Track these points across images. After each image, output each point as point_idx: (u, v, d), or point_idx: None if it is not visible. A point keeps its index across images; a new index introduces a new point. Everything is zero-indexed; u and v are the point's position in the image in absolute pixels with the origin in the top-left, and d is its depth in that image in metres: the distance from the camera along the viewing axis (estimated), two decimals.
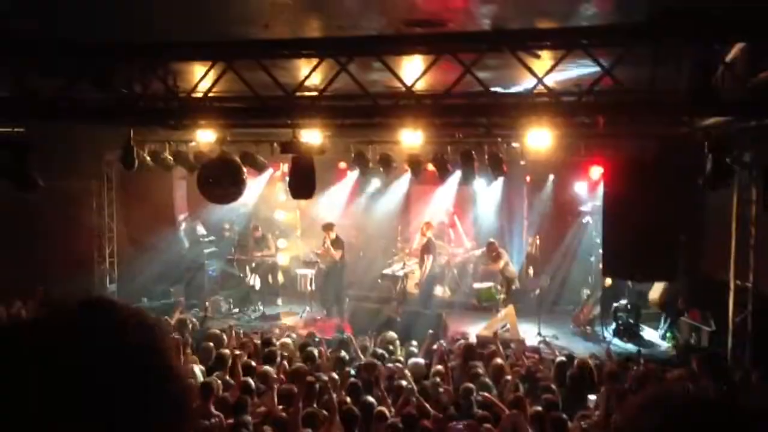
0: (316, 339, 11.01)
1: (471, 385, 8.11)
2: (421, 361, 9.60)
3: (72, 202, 13.41)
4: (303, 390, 7.41)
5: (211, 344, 9.91)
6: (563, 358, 9.91)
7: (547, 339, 12.96)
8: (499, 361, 9.36)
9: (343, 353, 9.79)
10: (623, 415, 1.12)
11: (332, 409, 7.14)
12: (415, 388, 8.04)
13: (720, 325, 11.85)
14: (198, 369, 8.82)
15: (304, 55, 6.74)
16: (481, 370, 8.93)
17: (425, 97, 7.78)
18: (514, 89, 7.87)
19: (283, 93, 7.11)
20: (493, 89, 7.12)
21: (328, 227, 14.97)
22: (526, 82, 7.10)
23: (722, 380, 8.76)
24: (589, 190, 14.97)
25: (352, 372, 8.88)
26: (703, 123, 8.30)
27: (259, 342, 10.39)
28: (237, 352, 9.17)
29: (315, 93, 7.43)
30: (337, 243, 14.85)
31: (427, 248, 14.25)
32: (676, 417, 0.99)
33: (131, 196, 14.59)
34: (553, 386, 8.26)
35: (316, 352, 9.76)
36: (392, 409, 7.53)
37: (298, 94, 7.53)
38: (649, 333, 13.48)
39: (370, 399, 7.62)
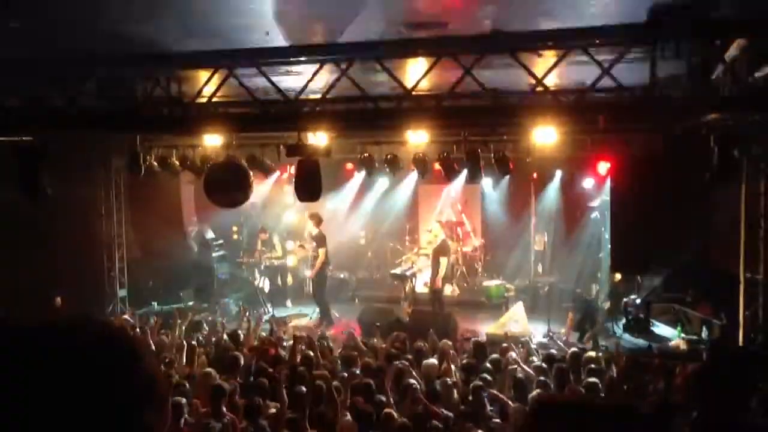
0: (326, 341, 11.06)
1: (480, 383, 8.13)
2: (433, 361, 9.63)
3: (81, 209, 13.50)
4: (310, 391, 7.47)
5: (230, 345, 10.04)
6: (576, 350, 10.00)
7: (553, 335, 12.96)
8: (513, 355, 9.42)
9: (353, 353, 9.85)
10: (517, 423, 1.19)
11: (338, 410, 7.19)
12: (424, 387, 8.09)
13: (730, 319, 11.82)
14: (211, 371, 8.89)
15: (305, 62, 6.78)
16: (489, 367, 8.98)
17: (428, 98, 7.80)
18: (516, 89, 7.88)
19: (285, 99, 7.15)
20: (494, 88, 7.15)
21: (316, 218, 14.54)
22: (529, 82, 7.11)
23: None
24: (596, 186, 14.93)
25: (358, 371, 8.91)
26: (709, 118, 8.27)
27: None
28: (244, 354, 9.25)
29: (318, 97, 7.47)
30: (319, 239, 14.52)
31: (441, 250, 14.19)
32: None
33: (140, 202, 14.68)
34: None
35: (327, 351, 9.83)
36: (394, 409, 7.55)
37: (302, 97, 7.57)
38: (659, 328, 13.45)
39: (381, 399, 7.66)
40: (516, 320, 13.12)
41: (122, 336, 1.12)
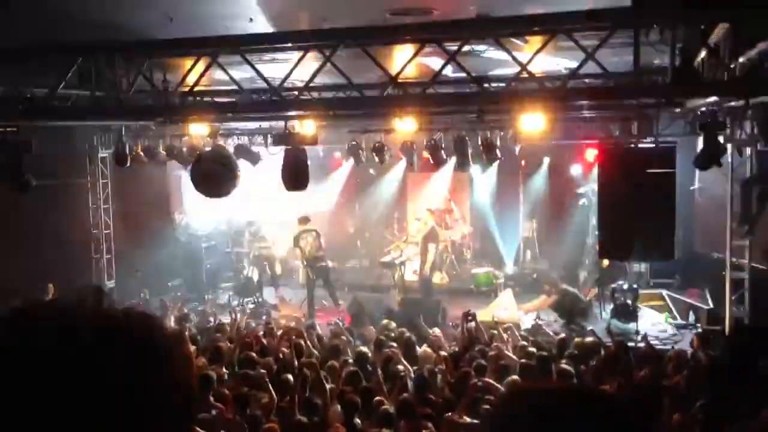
0: (316, 329, 11.06)
1: (469, 370, 8.15)
2: (427, 349, 9.65)
3: (68, 200, 13.41)
4: (300, 379, 7.47)
5: (217, 335, 10.03)
6: (563, 335, 10.08)
7: (539, 321, 13.01)
8: (500, 344, 9.45)
9: (340, 341, 9.85)
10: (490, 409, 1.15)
11: (328, 398, 7.19)
12: (412, 374, 8.11)
13: (717, 304, 11.91)
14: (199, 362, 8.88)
15: (289, 48, 6.74)
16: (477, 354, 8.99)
17: (414, 85, 7.77)
18: (502, 75, 7.88)
19: (270, 87, 7.11)
20: (480, 75, 7.14)
21: (301, 220, 14.61)
22: (515, 68, 7.10)
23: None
24: (584, 173, 14.98)
25: (350, 360, 8.93)
26: (693, 103, 8.30)
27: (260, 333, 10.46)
28: (230, 345, 9.27)
29: (301, 84, 7.43)
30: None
31: (430, 236, 14.21)
32: (532, 408, 1.00)
33: (127, 192, 14.59)
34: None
35: (315, 340, 9.84)
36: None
37: (287, 84, 7.53)
38: (647, 313, 13.53)
39: (369, 387, 7.67)
40: (504, 307, 13.16)
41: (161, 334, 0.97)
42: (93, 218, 14.59)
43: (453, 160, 12.94)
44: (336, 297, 14.26)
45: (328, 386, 7.65)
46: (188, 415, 0.98)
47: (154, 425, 0.92)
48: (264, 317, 13.44)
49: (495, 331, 10.18)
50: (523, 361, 8.43)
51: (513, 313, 13.04)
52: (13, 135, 9.56)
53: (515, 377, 7.81)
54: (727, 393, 6.22)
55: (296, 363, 8.46)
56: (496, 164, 13.60)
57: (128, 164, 11.71)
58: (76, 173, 13.90)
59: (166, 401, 0.93)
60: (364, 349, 9.31)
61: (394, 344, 9.69)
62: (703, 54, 5.97)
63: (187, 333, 10.43)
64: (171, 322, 11.37)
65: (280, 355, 9.05)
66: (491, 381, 7.88)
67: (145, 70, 7.47)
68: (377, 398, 7.27)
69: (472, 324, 9.98)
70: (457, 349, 9.61)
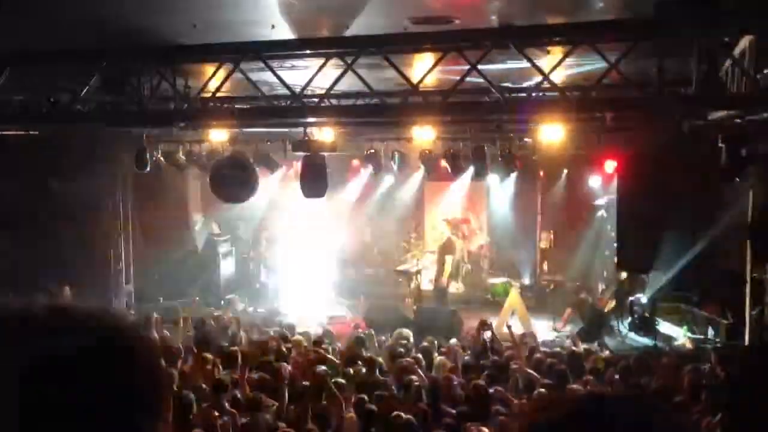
0: (331, 336, 11.05)
1: (483, 382, 8.10)
2: (441, 358, 9.61)
3: (87, 203, 13.50)
4: (315, 387, 7.45)
5: (226, 342, 10.02)
6: (577, 349, 9.99)
7: (558, 333, 12.92)
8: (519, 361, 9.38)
9: (359, 350, 9.82)
10: (521, 417, 1.13)
11: (342, 406, 7.17)
12: (428, 384, 8.07)
13: (737, 318, 11.75)
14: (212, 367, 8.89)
15: (310, 55, 6.77)
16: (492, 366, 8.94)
17: (434, 93, 7.77)
18: (523, 84, 7.85)
19: (291, 93, 7.13)
20: (502, 84, 7.12)
21: None
22: (536, 78, 7.07)
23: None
24: (603, 184, 14.87)
25: (365, 369, 8.89)
26: (717, 115, 8.21)
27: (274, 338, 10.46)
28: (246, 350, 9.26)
29: (323, 91, 7.45)
30: None
31: (446, 247, 14.17)
32: (566, 415, 0.99)
33: (146, 197, 14.70)
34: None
35: (330, 349, 9.81)
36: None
37: (308, 92, 7.55)
38: (665, 327, 13.38)
39: (384, 396, 7.63)
40: (516, 314, 13.08)
41: (125, 331, 1.00)
42: (113, 222, 14.68)
43: (471, 170, 12.91)
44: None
45: (343, 394, 7.62)
46: (154, 411, 0.98)
47: (107, 418, 0.92)
48: (278, 324, 13.44)
49: (509, 343, 10.12)
50: (544, 380, 8.36)
51: (525, 320, 12.98)
52: (36, 138, 9.69)
53: (542, 390, 7.73)
54: (745, 410, 6.13)
55: (310, 371, 8.46)
56: (514, 174, 13.56)
57: (149, 169, 11.79)
58: (97, 177, 14.02)
59: (118, 395, 0.93)
60: (380, 357, 9.29)
61: (410, 353, 9.66)
62: (727, 65, 5.91)
63: (197, 336, 10.47)
64: (188, 327, 11.42)
65: (293, 363, 9.05)
66: (503, 390, 7.84)
67: (168, 76, 7.52)
68: (393, 408, 7.24)
69: (488, 334, 9.92)
70: (468, 359, 9.56)
